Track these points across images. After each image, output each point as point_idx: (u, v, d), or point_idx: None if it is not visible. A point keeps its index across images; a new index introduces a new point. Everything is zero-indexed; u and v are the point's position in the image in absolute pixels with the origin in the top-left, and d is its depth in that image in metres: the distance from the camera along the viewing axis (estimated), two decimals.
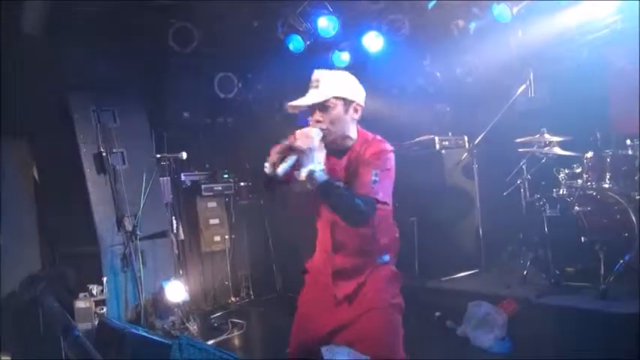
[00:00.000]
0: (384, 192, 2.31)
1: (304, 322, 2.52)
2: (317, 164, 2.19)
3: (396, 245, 2.58)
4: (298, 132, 2.27)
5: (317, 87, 2.37)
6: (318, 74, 2.41)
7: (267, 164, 2.27)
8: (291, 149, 2.22)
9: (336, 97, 2.34)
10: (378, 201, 2.27)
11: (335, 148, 2.41)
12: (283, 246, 6.35)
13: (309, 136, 2.24)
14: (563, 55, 5.43)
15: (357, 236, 2.40)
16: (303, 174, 2.17)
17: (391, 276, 2.49)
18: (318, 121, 2.34)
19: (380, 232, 2.45)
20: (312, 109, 2.36)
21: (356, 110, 2.41)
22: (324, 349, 2.49)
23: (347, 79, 2.43)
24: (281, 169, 2.20)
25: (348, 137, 2.42)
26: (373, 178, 2.27)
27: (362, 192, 2.26)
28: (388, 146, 2.42)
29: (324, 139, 2.32)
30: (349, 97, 2.38)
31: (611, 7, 4.88)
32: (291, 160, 2.21)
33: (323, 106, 2.34)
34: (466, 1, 5.30)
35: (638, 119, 4.51)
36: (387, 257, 2.49)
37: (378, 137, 2.48)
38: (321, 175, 2.18)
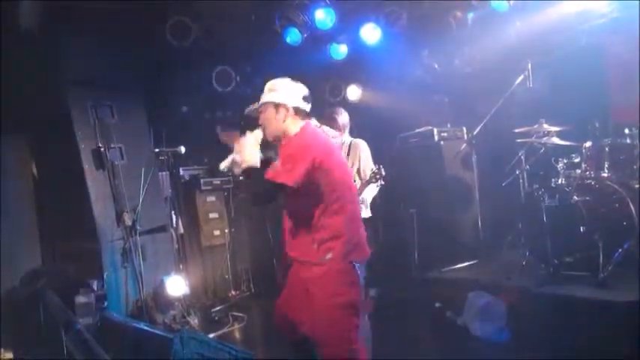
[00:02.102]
0: (281, 172, 2.62)
1: (282, 306, 2.96)
2: (246, 159, 2.66)
3: (342, 244, 2.69)
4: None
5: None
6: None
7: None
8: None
9: (266, 103, 2.79)
10: (274, 180, 2.60)
11: (279, 143, 2.84)
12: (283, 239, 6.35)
13: (246, 139, 2.72)
14: (562, 45, 5.42)
15: (295, 230, 2.79)
16: (226, 162, 2.76)
17: (340, 276, 2.68)
18: (260, 122, 2.82)
19: (315, 228, 2.69)
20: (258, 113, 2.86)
21: (287, 110, 2.76)
22: None
23: (278, 85, 2.83)
24: (222, 164, 2.79)
25: (282, 135, 2.80)
26: (275, 163, 2.70)
27: (268, 171, 2.66)
28: (295, 134, 2.77)
29: (267, 136, 2.80)
30: (276, 100, 2.77)
31: None
32: (229, 157, 2.76)
33: (259, 112, 2.83)
34: None
35: (636, 108, 4.51)
36: (328, 256, 2.66)
37: (308, 133, 2.80)
38: (243, 166, 2.66)
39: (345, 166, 2.99)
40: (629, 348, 3.29)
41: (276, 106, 2.77)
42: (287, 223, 2.86)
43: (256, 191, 2.85)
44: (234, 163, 2.72)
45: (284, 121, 2.77)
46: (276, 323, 3.02)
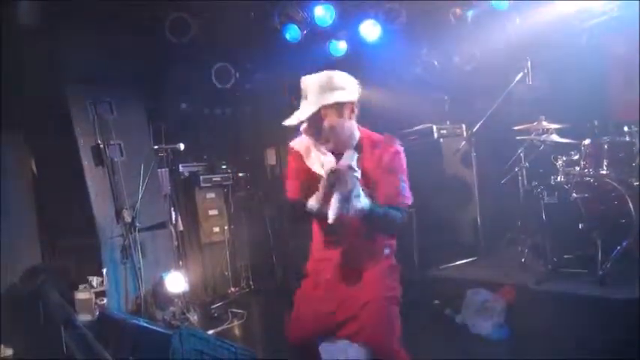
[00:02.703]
0: (409, 194, 2.35)
1: (304, 317, 2.53)
2: (361, 197, 2.16)
3: (394, 237, 2.59)
4: (334, 171, 2.20)
5: (306, 97, 2.31)
6: (305, 82, 2.34)
7: (313, 202, 2.26)
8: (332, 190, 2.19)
9: (325, 106, 2.28)
10: (409, 205, 2.33)
11: (340, 150, 2.35)
12: (282, 236, 6.36)
13: (345, 174, 2.17)
14: (562, 42, 5.41)
15: (357, 232, 2.39)
16: (351, 211, 2.15)
17: (389, 268, 2.53)
18: (328, 126, 2.31)
19: None
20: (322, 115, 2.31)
21: (352, 110, 2.37)
22: (322, 347, 2.53)
23: (348, 80, 2.36)
24: (332, 214, 2.17)
25: (349, 139, 2.37)
26: (401, 184, 2.30)
27: (394, 200, 2.29)
28: (399, 146, 2.42)
29: (335, 145, 2.33)
30: (352, 99, 2.34)
31: None
32: (335, 200, 2.17)
33: (321, 116, 2.30)
34: None
35: (636, 105, 4.51)
36: (387, 250, 2.53)
37: (385, 136, 2.47)
38: (366, 205, 2.16)
39: None
40: (628, 345, 3.30)
41: (341, 105, 2.31)
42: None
43: (385, 228, 2.37)
44: (351, 207, 2.13)
45: (349, 120, 2.34)
46: (293, 340, 2.58)
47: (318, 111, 2.27)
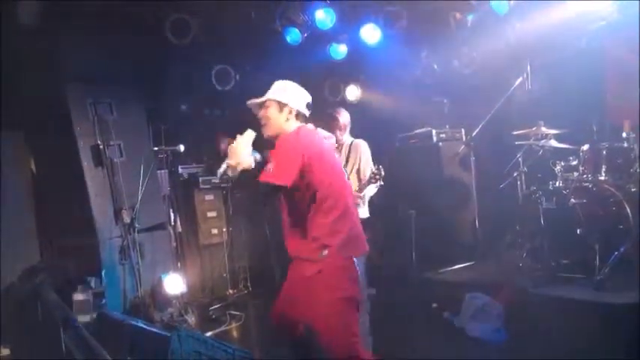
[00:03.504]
0: (274, 174, 2.66)
1: (281, 303, 3.01)
2: (240, 161, 2.72)
3: (337, 240, 2.75)
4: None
5: (266, 92, 2.93)
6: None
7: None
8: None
9: (271, 100, 2.89)
10: (269, 182, 2.66)
11: (274, 140, 2.90)
12: (281, 238, 6.35)
13: (237, 143, 2.78)
14: (561, 47, 5.43)
15: (292, 228, 2.86)
16: (222, 168, 2.79)
17: (339, 271, 2.75)
18: (260, 117, 2.91)
19: (310, 226, 2.77)
20: (259, 107, 2.94)
21: (290, 112, 2.87)
22: None
23: (287, 87, 2.93)
24: (218, 172, 2.83)
25: (279, 133, 2.87)
26: (270, 164, 2.70)
27: (261, 175, 2.71)
28: (288, 133, 2.84)
29: (264, 132, 2.89)
30: (283, 100, 2.87)
31: None
32: (224, 164, 2.81)
33: (263, 106, 2.91)
34: None
35: (635, 111, 4.52)
36: (325, 252, 2.73)
37: (299, 134, 2.85)
38: (238, 169, 2.73)
39: (337, 164, 3.03)
40: (626, 350, 3.31)
41: (281, 105, 2.87)
42: (285, 223, 2.92)
43: (259, 192, 2.89)
44: (228, 167, 2.78)
45: (286, 120, 2.87)
46: (274, 321, 3.06)
47: (264, 102, 2.90)
